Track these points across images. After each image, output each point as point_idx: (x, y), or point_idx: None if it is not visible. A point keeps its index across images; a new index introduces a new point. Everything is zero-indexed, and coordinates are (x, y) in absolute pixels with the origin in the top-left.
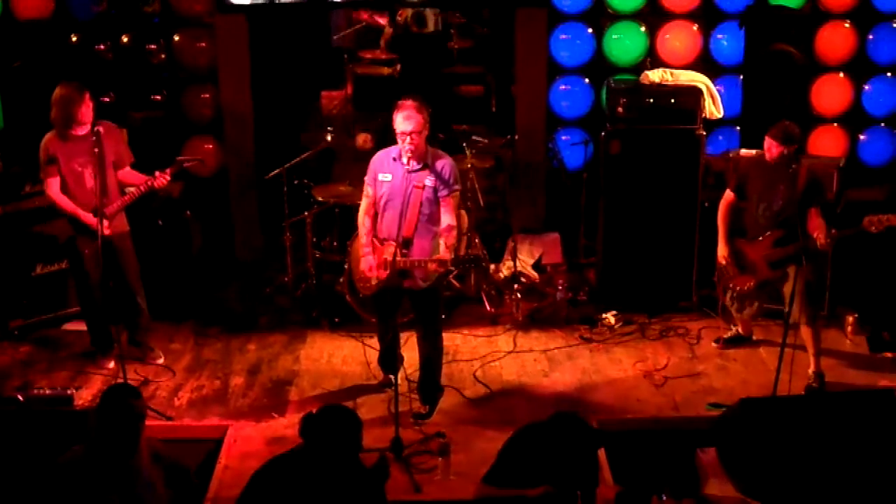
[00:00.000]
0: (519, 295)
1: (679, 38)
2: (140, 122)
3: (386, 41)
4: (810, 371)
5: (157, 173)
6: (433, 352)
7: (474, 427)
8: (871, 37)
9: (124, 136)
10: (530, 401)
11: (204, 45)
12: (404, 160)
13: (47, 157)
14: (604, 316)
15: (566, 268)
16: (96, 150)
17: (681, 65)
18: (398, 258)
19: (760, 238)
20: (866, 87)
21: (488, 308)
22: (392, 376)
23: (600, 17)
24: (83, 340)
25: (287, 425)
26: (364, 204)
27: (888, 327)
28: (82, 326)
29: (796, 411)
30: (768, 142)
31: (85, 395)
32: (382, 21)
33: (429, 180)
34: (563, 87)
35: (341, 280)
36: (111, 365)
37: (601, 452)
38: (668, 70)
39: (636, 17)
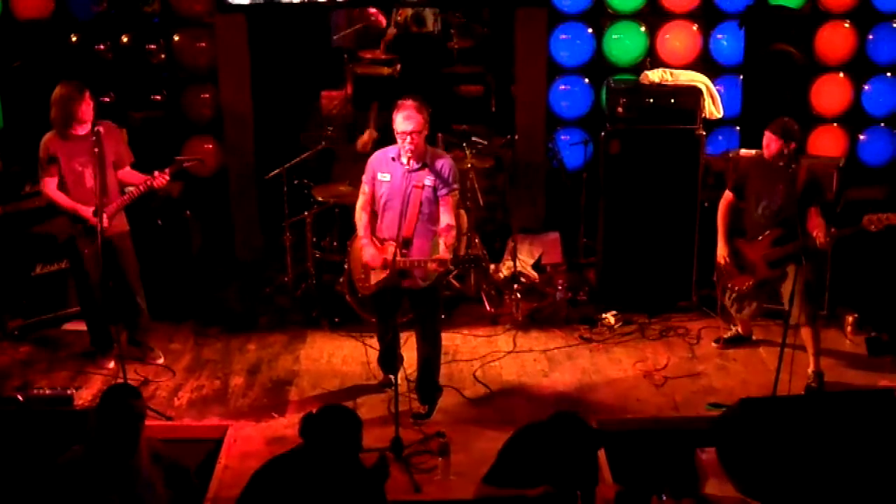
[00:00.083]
0: (519, 295)
1: (679, 38)
2: (140, 122)
3: (386, 43)
4: (810, 371)
5: (156, 173)
6: (432, 352)
7: (474, 427)
8: (871, 37)
9: (124, 135)
10: (530, 401)
11: (204, 45)
12: (404, 160)
13: (47, 156)
14: (604, 316)
15: (566, 268)
16: (96, 149)
17: (681, 65)
18: (398, 258)
19: (760, 238)
20: (866, 87)
21: (488, 308)
22: (392, 376)
23: (600, 17)
24: (83, 340)
25: (287, 425)
26: (360, 201)
27: (888, 328)
28: (82, 326)
29: (796, 411)
30: (767, 137)
31: (85, 395)
32: (382, 19)
33: (428, 180)
34: (563, 87)
35: (341, 280)
36: (111, 365)
37: (601, 452)
38: (667, 70)
39: (636, 17)
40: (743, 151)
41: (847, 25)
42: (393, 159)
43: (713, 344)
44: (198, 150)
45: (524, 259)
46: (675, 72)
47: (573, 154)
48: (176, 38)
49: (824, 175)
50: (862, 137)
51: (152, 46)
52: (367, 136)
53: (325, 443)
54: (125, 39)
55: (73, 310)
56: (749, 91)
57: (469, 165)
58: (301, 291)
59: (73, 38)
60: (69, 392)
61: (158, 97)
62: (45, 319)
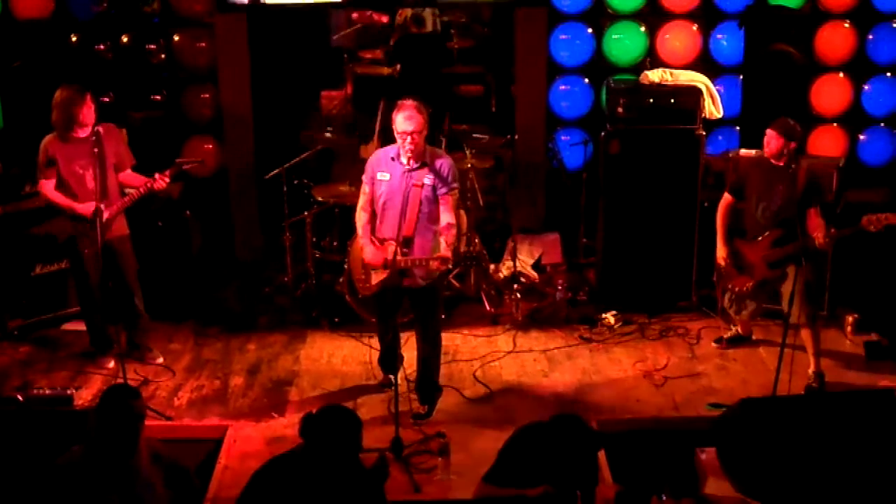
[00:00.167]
0: (519, 295)
1: (679, 38)
2: (140, 122)
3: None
4: (810, 371)
5: (156, 175)
6: (432, 352)
7: (474, 427)
8: (870, 37)
9: (125, 137)
10: (530, 401)
11: (204, 45)
12: (403, 160)
13: (46, 158)
14: (603, 316)
15: (566, 268)
16: (96, 150)
17: (681, 65)
18: (398, 257)
19: (759, 238)
20: (866, 87)
21: (488, 308)
22: (392, 376)
23: (600, 17)
24: (83, 340)
25: (287, 425)
26: (361, 201)
27: (888, 329)
28: (82, 326)
29: (796, 411)
30: (768, 135)
31: (85, 395)
32: (383, 19)
33: (428, 179)
34: (563, 87)
35: (341, 280)
36: (111, 364)
37: (601, 453)
38: (667, 70)
39: (636, 17)
40: (743, 151)
41: (847, 25)
42: (392, 159)
43: (713, 344)
44: (198, 150)
45: (524, 259)
46: (675, 72)
47: (573, 154)
48: (176, 38)
49: (824, 175)
50: (862, 137)
51: (152, 46)
52: (372, 147)
53: (325, 443)
54: (125, 39)
55: (72, 310)
56: (749, 91)
57: (469, 165)
58: (301, 291)
59: (73, 38)
60: (69, 392)
61: (158, 97)
62: (44, 319)
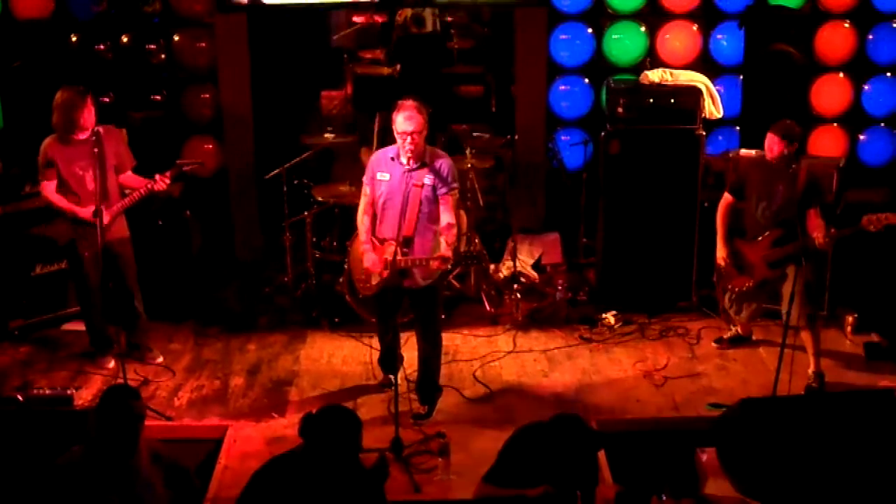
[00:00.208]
0: (519, 295)
1: (679, 38)
2: (140, 122)
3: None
4: (810, 371)
5: (157, 176)
6: (432, 352)
7: (474, 427)
8: (870, 37)
9: (125, 138)
10: (530, 401)
11: (204, 45)
12: (403, 160)
13: (46, 160)
14: (603, 316)
15: (566, 268)
16: (96, 149)
17: (681, 65)
18: (398, 257)
19: (759, 238)
20: (866, 87)
21: (488, 308)
22: (392, 376)
23: (600, 17)
24: (83, 340)
25: (287, 425)
26: (362, 203)
27: (888, 330)
28: (82, 326)
29: (796, 411)
30: (770, 139)
31: (85, 395)
32: (378, 19)
33: (427, 179)
34: (563, 87)
35: (341, 280)
36: (111, 364)
37: (601, 453)
38: (667, 70)
39: (636, 17)
40: (743, 152)
41: (847, 25)
42: (392, 159)
43: (713, 344)
44: (198, 150)
45: (524, 259)
46: (675, 72)
47: (573, 154)
48: (176, 38)
49: (824, 175)
50: (862, 138)
51: (152, 46)
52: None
53: (325, 443)
54: (125, 39)
55: (72, 310)
56: (749, 91)
57: (469, 165)
58: (301, 291)
59: (73, 38)
60: (69, 392)
61: (158, 97)
62: (45, 319)
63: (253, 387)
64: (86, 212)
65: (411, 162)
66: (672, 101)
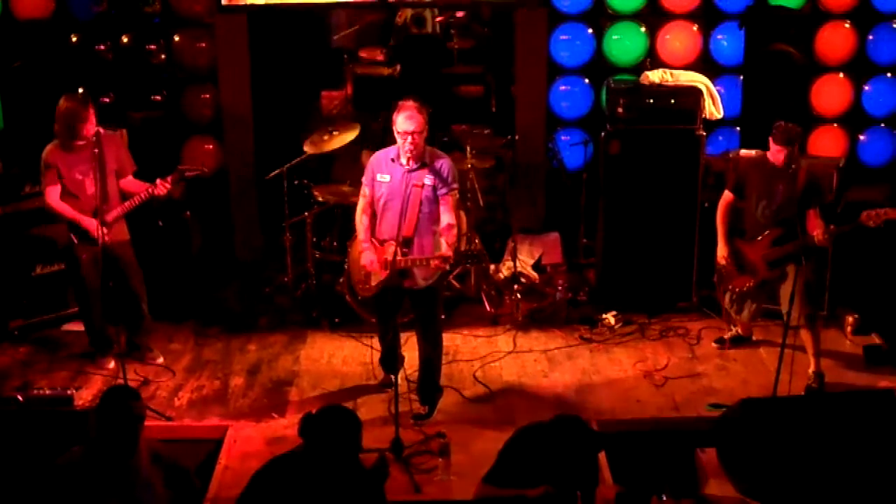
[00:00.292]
0: (519, 295)
1: (679, 39)
2: (140, 122)
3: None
4: (810, 371)
5: (158, 181)
6: (433, 352)
7: (474, 427)
8: (871, 37)
9: (126, 143)
10: (530, 401)
11: (204, 45)
12: (403, 160)
13: (47, 167)
14: (604, 316)
15: (566, 268)
16: (96, 150)
17: (681, 65)
18: (398, 258)
19: (759, 238)
20: (866, 88)
21: (488, 308)
22: (392, 376)
23: (600, 18)
24: (83, 341)
25: (287, 425)
26: (361, 203)
27: (888, 330)
28: (82, 327)
29: (796, 411)
30: (774, 148)
31: (85, 395)
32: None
33: (428, 179)
34: (563, 87)
35: (341, 280)
36: (111, 365)
37: (601, 453)
38: (667, 70)
39: (636, 17)
40: (743, 152)
41: (847, 25)
42: (392, 160)
43: (714, 344)
44: (198, 151)
45: (524, 259)
46: (675, 72)
47: (573, 154)
48: (176, 38)
49: (824, 175)
50: (862, 138)
51: (152, 47)
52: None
53: (325, 443)
54: (125, 40)
55: (73, 310)
56: (749, 91)
57: (469, 165)
58: (301, 292)
59: (74, 39)
60: (69, 392)
61: (158, 97)
62: (45, 320)
63: (253, 387)
64: (89, 220)
65: (411, 162)
66: (672, 101)
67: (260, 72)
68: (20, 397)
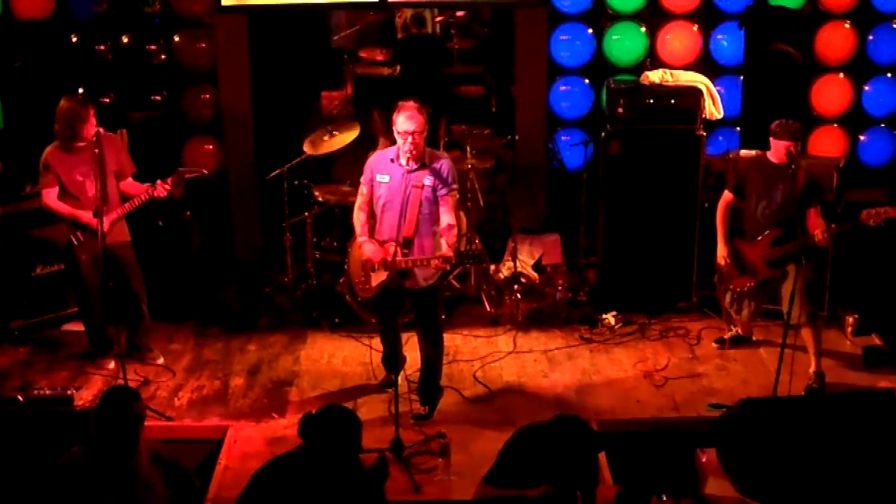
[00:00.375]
0: (519, 295)
1: (679, 39)
2: (140, 122)
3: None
4: (810, 371)
5: (158, 182)
6: (434, 353)
7: (474, 427)
8: (871, 37)
9: (125, 145)
10: (530, 401)
11: (204, 45)
12: (403, 161)
13: (46, 169)
14: (604, 316)
15: (566, 268)
16: (96, 150)
17: (681, 65)
18: (399, 258)
19: (759, 238)
20: (866, 88)
21: (488, 308)
22: (393, 375)
23: (600, 18)
24: (83, 341)
25: (287, 426)
26: (358, 201)
27: (888, 330)
28: (82, 327)
29: (796, 412)
30: (776, 145)
31: (85, 396)
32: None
33: (427, 179)
34: (563, 87)
35: (341, 280)
36: (111, 365)
37: (601, 454)
38: (668, 70)
39: (636, 17)
40: (743, 152)
41: (847, 26)
42: (392, 161)
43: (714, 345)
44: (198, 151)
45: (524, 259)
46: (676, 72)
47: (573, 154)
48: (176, 38)
49: (824, 176)
50: (862, 138)
51: (152, 47)
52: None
53: (325, 443)
54: (125, 40)
55: (73, 310)
56: (749, 91)
57: (469, 165)
58: (301, 292)
59: (74, 39)
60: (69, 392)
61: (158, 97)
62: (45, 320)
63: (253, 387)
64: (88, 216)
65: (411, 163)
66: (672, 101)
67: (260, 72)
68: (20, 397)
